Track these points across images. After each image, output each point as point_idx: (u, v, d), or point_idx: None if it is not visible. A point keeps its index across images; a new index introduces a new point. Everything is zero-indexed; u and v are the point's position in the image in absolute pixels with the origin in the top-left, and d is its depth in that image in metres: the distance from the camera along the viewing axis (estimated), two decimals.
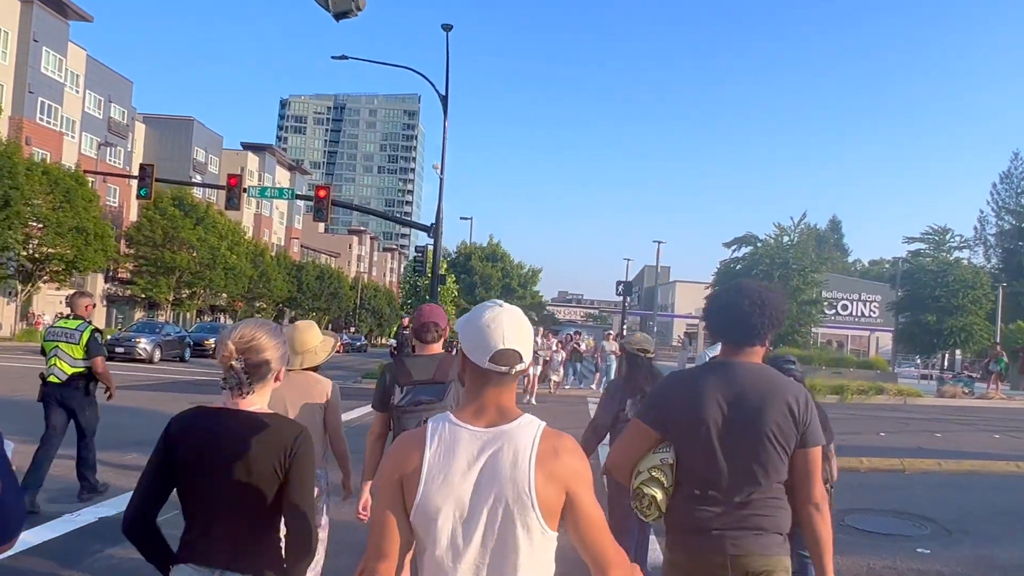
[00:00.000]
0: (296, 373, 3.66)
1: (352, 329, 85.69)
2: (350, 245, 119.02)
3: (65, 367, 6.48)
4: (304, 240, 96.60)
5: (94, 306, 7.09)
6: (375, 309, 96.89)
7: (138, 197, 26.74)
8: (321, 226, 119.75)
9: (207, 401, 2.33)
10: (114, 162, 52.29)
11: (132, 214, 54.41)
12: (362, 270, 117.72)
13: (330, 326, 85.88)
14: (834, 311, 45.78)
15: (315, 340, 3.84)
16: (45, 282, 41.26)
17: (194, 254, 51.43)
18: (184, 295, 53.85)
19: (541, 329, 31.50)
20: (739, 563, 2.35)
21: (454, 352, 3.01)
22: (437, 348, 3.88)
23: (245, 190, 26.91)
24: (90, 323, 6.68)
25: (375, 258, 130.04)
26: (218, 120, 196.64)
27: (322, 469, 3.66)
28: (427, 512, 1.74)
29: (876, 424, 15.08)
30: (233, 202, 26.11)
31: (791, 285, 30.52)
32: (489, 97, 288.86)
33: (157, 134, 63.67)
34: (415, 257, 28.27)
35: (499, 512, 1.72)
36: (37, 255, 38.14)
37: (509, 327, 1.79)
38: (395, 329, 19.00)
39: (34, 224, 36.95)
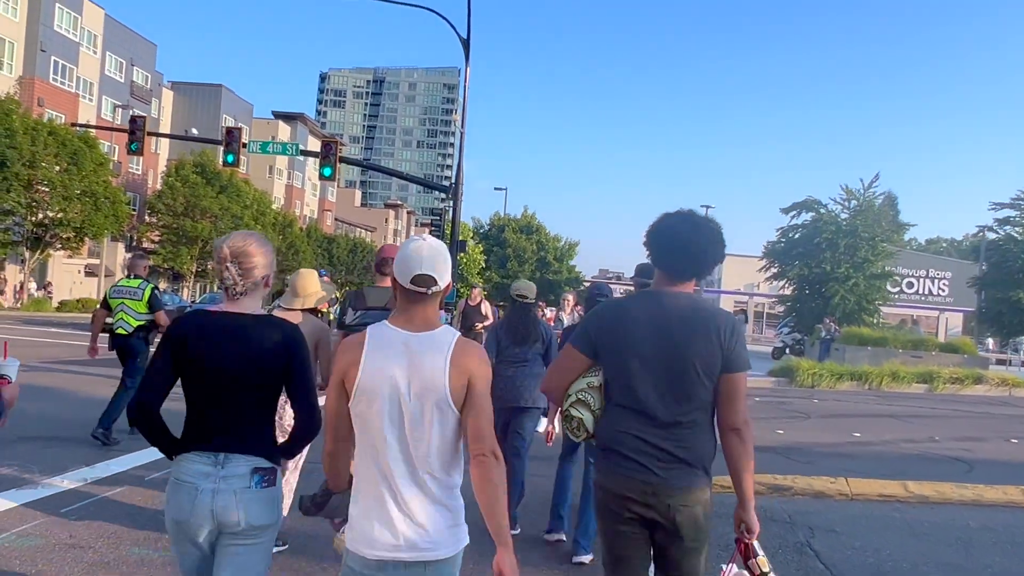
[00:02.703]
0: (295, 313, 4.39)
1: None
2: (386, 219, 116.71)
3: (131, 320, 7.36)
4: (339, 213, 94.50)
5: (149, 267, 7.95)
6: None
7: (128, 151, 24.43)
8: (357, 199, 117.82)
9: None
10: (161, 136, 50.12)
11: (159, 183, 52.56)
12: (398, 244, 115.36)
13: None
14: (898, 288, 41.64)
15: (314, 286, 4.47)
16: (57, 250, 39.41)
17: (217, 223, 49.32)
18: (208, 266, 51.86)
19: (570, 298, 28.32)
20: (661, 493, 2.41)
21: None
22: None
23: (244, 145, 24.30)
24: (150, 282, 7.53)
25: (412, 232, 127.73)
26: (258, 94, 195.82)
27: None
28: (364, 394, 2.14)
29: (994, 425, 11.75)
30: (231, 157, 23.66)
31: (858, 256, 26.80)
32: (529, 64, 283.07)
33: (185, 101, 61.74)
34: (432, 221, 25.25)
35: (421, 394, 2.13)
36: (45, 220, 36.14)
37: (427, 255, 2.19)
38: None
39: (42, 188, 34.94)
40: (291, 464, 4.55)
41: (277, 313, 4.50)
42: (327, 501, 2.34)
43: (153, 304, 7.44)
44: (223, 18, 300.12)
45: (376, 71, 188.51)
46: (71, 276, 46.02)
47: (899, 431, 10.67)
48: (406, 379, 2.13)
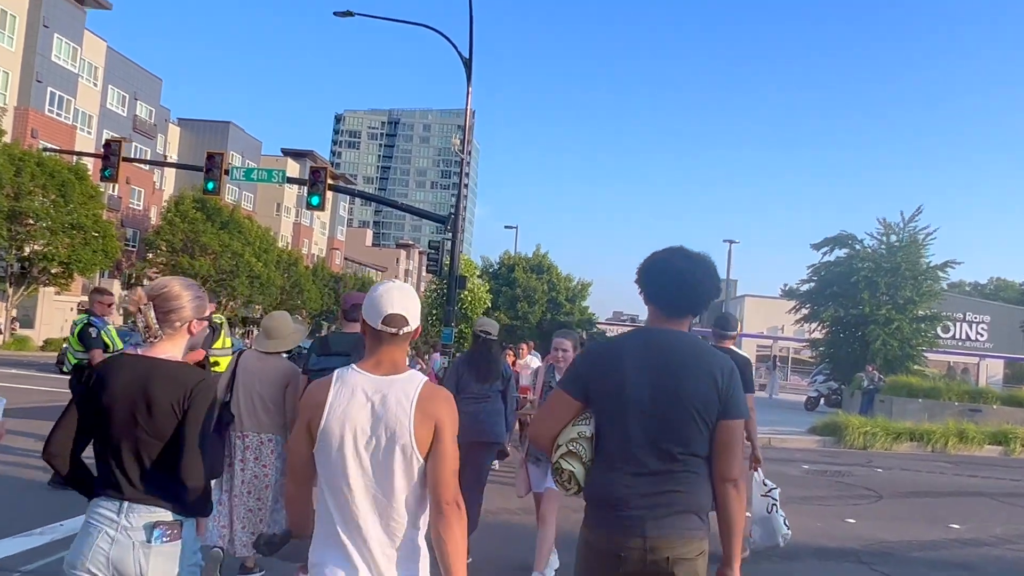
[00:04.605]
0: (268, 355, 4.58)
1: None
2: (397, 259, 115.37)
3: (71, 358, 6.90)
4: (349, 252, 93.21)
5: (111, 305, 7.09)
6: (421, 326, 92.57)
7: (102, 178, 22.74)
8: (368, 239, 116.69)
9: None
10: (139, 164, 48.78)
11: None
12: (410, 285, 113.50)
13: None
14: (933, 332, 38.87)
15: (287, 329, 4.61)
16: (45, 285, 37.63)
17: (217, 260, 47.57)
18: (127, 308, 49.76)
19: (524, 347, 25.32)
20: (657, 546, 2.24)
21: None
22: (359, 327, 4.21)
23: (227, 171, 22.39)
24: (89, 317, 6.83)
25: (423, 273, 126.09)
26: (273, 134, 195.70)
27: (282, 437, 4.47)
28: (328, 438, 2.10)
29: None
30: (211, 184, 21.73)
31: (900, 297, 24.30)
32: (541, 98, 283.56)
33: (192, 137, 60.71)
34: (429, 255, 23.10)
35: (384, 440, 2.08)
36: (31, 255, 34.38)
37: (397, 296, 2.19)
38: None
39: (28, 221, 33.28)
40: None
41: (248, 355, 4.64)
42: (285, 543, 2.28)
43: (84, 341, 6.70)
44: (240, 61, 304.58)
45: (391, 112, 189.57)
46: (62, 313, 44.03)
47: (1006, 519, 8.18)
48: (371, 424, 2.11)
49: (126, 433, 2.26)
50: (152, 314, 2.31)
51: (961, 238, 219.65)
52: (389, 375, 2.15)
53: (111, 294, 7.21)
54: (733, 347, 5.48)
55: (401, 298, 2.18)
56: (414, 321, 2.19)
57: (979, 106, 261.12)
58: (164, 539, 2.24)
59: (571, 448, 2.35)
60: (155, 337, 2.33)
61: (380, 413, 2.09)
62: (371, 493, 2.09)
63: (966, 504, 9.03)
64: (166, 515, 2.26)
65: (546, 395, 4.84)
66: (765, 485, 5.51)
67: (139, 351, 2.38)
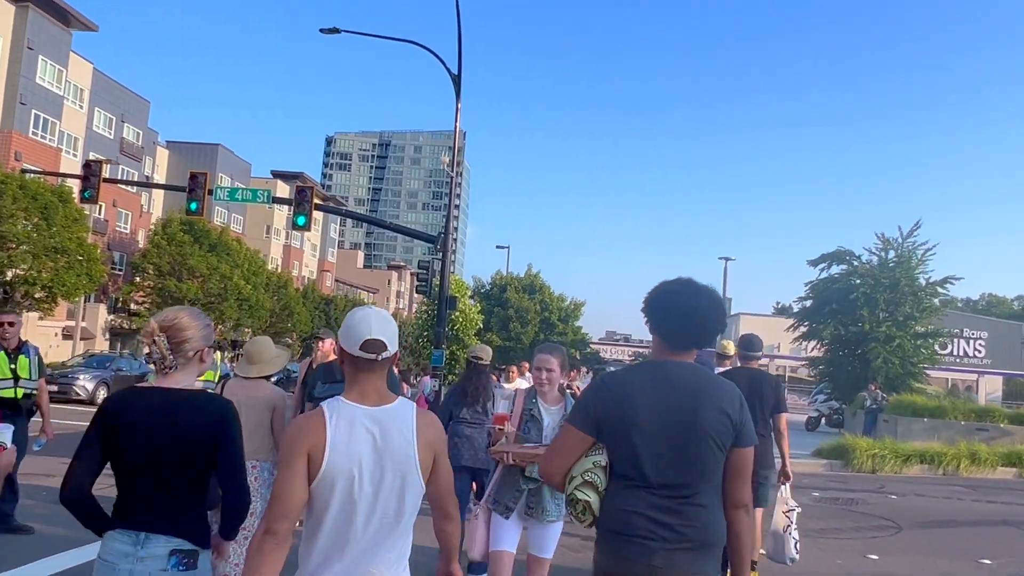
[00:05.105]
0: (251, 380, 4.56)
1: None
2: (389, 281, 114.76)
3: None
4: (340, 274, 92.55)
5: (9, 324, 6.33)
6: (413, 348, 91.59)
7: (81, 199, 22.20)
8: (359, 260, 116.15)
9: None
10: (126, 187, 48.20)
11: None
12: (401, 307, 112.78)
13: None
14: (933, 349, 38.35)
15: (270, 353, 4.61)
16: (28, 311, 36.82)
17: (205, 283, 46.82)
18: (138, 339, 49.00)
19: (582, 369, 25.07)
20: (667, 574, 2.27)
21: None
22: None
23: (211, 192, 21.87)
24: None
25: (415, 294, 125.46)
26: (263, 157, 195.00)
27: (268, 463, 4.49)
28: (332, 476, 2.06)
29: None
30: (194, 205, 21.20)
31: (900, 312, 23.83)
32: (531, 116, 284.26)
33: (180, 160, 60.23)
34: (419, 275, 22.53)
35: (390, 473, 2.11)
36: (13, 279, 33.64)
37: (375, 321, 2.19)
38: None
39: (9, 245, 32.59)
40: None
41: (233, 382, 4.62)
42: None
43: None
44: (230, 84, 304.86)
45: (381, 135, 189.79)
46: (47, 339, 43.16)
47: None
48: (375, 458, 2.11)
49: (149, 465, 2.29)
50: (165, 344, 2.37)
51: (952, 254, 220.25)
52: (380, 405, 2.16)
53: (10, 315, 6.51)
54: (759, 367, 5.53)
55: (379, 323, 2.18)
56: (392, 347, 2.20)
57: (970, 121, 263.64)
58: (181, 567, 2.28)
59: (587, 478, 2.37)
60: (169, 368, 2.38)
61: (383, 447, 2.11)
62: (378, 523, 2.11)
63: (992, 535, 8.45)
64: (183, 544, 2.30)
65: (525, 424, 4.10)
66: (787, 504, 5.44)
67: (153, 382, 2.42)
